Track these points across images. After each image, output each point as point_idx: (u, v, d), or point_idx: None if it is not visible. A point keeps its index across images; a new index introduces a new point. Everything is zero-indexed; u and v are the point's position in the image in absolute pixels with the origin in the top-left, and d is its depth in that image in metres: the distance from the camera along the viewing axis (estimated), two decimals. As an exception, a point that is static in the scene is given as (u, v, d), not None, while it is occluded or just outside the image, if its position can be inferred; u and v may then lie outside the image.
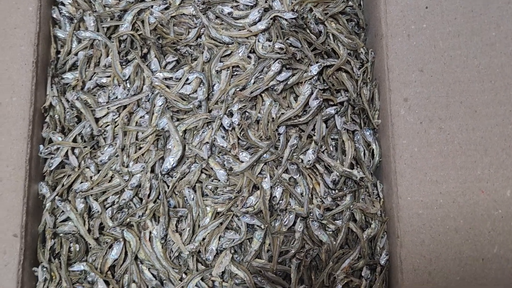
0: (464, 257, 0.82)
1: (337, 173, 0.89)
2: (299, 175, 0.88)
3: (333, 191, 0.89)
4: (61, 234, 0.87)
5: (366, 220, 0.90)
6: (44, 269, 0.84)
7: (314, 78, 0.91)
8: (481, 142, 0.85)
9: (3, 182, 0.83)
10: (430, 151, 0.86)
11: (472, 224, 0.83)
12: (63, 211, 0.87)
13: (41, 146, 0.89)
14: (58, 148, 0.89)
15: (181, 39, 0.93)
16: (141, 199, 0.87)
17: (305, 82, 0.91)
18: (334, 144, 0.91)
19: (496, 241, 0.82)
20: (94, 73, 0.93)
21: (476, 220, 0.83)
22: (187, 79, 0.90)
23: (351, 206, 0.88)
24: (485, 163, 0.85)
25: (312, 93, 0.90)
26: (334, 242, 0.87)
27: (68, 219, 0.88)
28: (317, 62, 0.91)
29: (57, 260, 0.86)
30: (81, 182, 0.88)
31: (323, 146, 0.90)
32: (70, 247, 0.86)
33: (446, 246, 0.83)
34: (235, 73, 0.92)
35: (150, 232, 0.84)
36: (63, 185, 0.87)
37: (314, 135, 0.90)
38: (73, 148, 0.89)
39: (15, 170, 0.83)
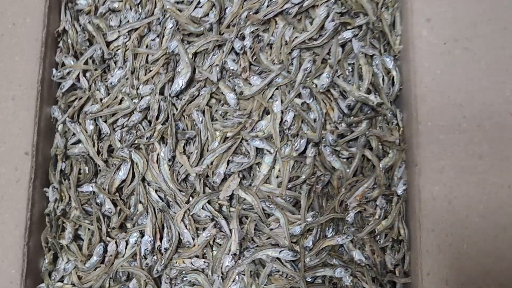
0: (488, 184, 0.76)
1: (353, 98, 0.84)
2: (312, 100, 0.84)
3: (348, 117, 0.84)
4: (71, 156, 0.87)
5: (383, 150, 0.85)
6: (55, 189, 0.85)
7: (331, 0, 0.86)
8: (510, 61, 0.78)
9: (15, 100, 0.84)
10: (454, 73, 0.80)
11: (498, 148, 0.77)
12: (74, 134, 0.87)
13: (54, 69, 0.89)
14: (70, 72, 0.89)
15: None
16: (150, 122, 0.86)
17: (321, 4, 0.87)
18: (350, 69, 0.86)
19: (525, 166, 0.75)
20: (107, -3, 0.92)
21: (503, 145, 0.77)
22: (199, 2, 0.88)
23: (367, 132, 0.83)
24: (515, 83, 0.78)
25: (328, 15, 0.85)
26: (348, 170, 0.82)
27: (78, 141, 0.88)
28: (334, -17, 0.86)
29: (67, 181, 0.86)
30: (92, 105, 0.88)
31: (338, 71, 0.86)
32: (80, 169, 0.86)
33: (469, 172, 0.77)
34: (248, -4, 0.89)
35: (158, 154, 0.83)
36: (74, 107, 0.87)
37: (329, 59, 0.86)
38: (84, 71, 0.89)
39: (27, 90, 0.84)
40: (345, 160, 0.84)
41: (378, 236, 0.82)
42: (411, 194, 0.82)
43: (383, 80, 0.86)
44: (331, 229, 0.81)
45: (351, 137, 0.83)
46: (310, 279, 0.81)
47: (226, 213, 0.82)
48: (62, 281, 0.84)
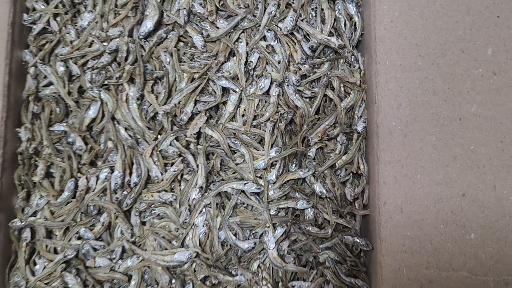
0: (441, 117, 0.80)
1: (315, 41, 0.87)
2: (277, 42, 0.87)
3: (311, 59, 0.87)
4: (43, 98, 0.89)
5: (345, 91, 0.89)
6: (27, 129, 0.87)
7: None
8: (464, 1, 0.82)
9: (-14, 42, 0.85)
10: (411, 15, 0.84)
11: (451, 84, 0.81)
12: (45, 77, 0.89)
13: (25, 14, 0.91)
14: (40, 16, 0.90)
15: None
16: (119, 64, 0.88)
17: (285, -50, 0.90)
18: (313, 13, 0.90)
19: (475, 100, 0.80)
20: None
21: (455, 80, 0.81)
22: None
23: (329, 73, 0.87)
24: (467, 22, 0.82)
25: (291, -39, 0.88)
26: (310, 108, 0.86)
27: (49, 84, 0.90)
28: None
29: (38, 121, 0.88)
30: (62, 47, 0.90)
31: (302, 15, 0.89)
32: (51, 111, 0.88)
33: (424, 107, 0.81)
34: None
35: (127, 94, 0.86)
36: (45, 50, 0.89)
37: (293, 3, 0.89)
38: (55, 15, 0.91)
39: (-3, 32, 0.86)
40: (307, 100, 0.87)
41: (339, 170, 0.86)
42: (370, 131, 0.86)
43: (345, 24, 0.89)
44: (294, 165, 0.85)
45: (313, 77, 0.87)
46: (274, 212, 0.84)
47: (193, 150, 0.86)
48: (35, 216, 0.86)
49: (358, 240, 0.83)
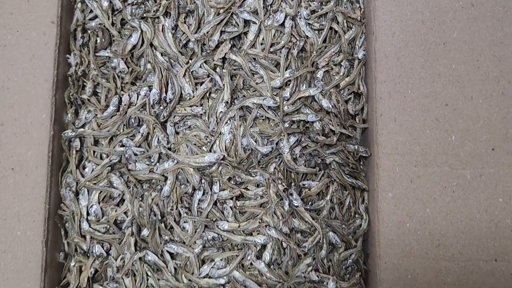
0: (428, 43, 0.96)
1: (323, -19, 1.03)
2: (290, -17, 1.02)
3: (319, -3, 1.03)
4: (89, 29, 1.03)
5: (347, 26, 1.04)
6: (76, 55, 1.01)
7: None
8: None
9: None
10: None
11: (436, 15, 0.97)
12: (91, 11, 1.04)
13: (73, -42, 1.05)
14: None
15: None
16: (155, 0, 1.03)
17: None
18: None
19: (456, 27, 0.96)
20: None
21: (440, 12, 0.97)
22: None
23: (334, 9, 1.02)
24: (450, -37, 0.98)
25: None
26: (318, 38, 1.02)
27: (95, 17, 1.04)
28: None
29: (86, 48, 1.03)
30: (106, -15, 1.05)
31: (311, -40, 1.04)
32: (96, 40, 1.03)
33: (414, 35, 0.97)
34: None
35: (163, 25, 1.01)
36: (91, -12, 1.04)
37: (304, -50, 1.04)
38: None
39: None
40: (316, 31, 1.03)
41: (342, 90, 1.01)
42: (369, 57, 1.01)
43: (347, -32, 1.05)
44: (304, 86, 1.00)
45: (321, 12, 1.02)
46: (287, 125, 1.00)
47: (219, 73, 1.01)
48: (83, 128, 1.01)
49: (358, 147, 0.98)
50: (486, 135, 0.92)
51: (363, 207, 0.98)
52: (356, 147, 0.98)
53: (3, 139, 0.95)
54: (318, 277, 0.95)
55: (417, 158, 0.93)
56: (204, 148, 0.98)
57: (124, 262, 0.96)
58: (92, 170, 0.99)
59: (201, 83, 1.00)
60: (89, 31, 1.04)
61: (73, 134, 0.98)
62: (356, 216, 0.99)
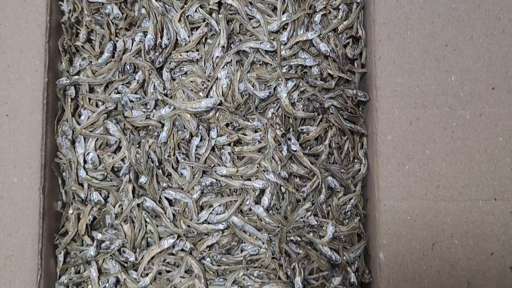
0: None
1: None
2: None
3: None
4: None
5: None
6: (68, 1, 0.99)
7: None
8: None
9: None
10: None
11: (436, -46, 0.95)
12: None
13: None
14: None
15: None
16: None
17: None
18: None
19: (456, -35, 0.94)
20: None
21: (439, -50, 0.95)
22: None
23: (332, -49, 1.00)
24: None
25: None
26: (316, -19, 0.99)
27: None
28: None
29: (79, -6, 1.00)
30: None
31: None
32: (89, -14, 1.01)
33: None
34: None
35: (157, -31, 0.98)
36: None
37: None
38: None
39: None
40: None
41: (340, 34, 1.00)
42: (367, 0, 0.99)
43: None
44: (302, 30, 0.98)
45: (318, -45, 1.00)
46: (285, 69, 0.98)
47: (215, 17, 0.99)
48: (78, 75, 0.99)
49: (356, 92, 0.97)
50: (486, 74, 0.91)
51: (362, 152, 0.97)
52: (355, 92, 0.97)
53: (-4, 86, 0.94)
54: (317, 221, 0.95)
55: (417, 100, 0.92)
56: (201, 93, 0.97)
57: (122, 209, 0.95)
58: (88, 117, 0.98)
59: (197, 28, 0.98)
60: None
61: (68, 81, 0.97)
62: (355, 161, 0.98)
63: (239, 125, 0.96)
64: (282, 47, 0.97)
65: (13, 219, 0.91)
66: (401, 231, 0.90)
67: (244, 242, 0.94)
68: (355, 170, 0.97)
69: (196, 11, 0.98)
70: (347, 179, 0.97)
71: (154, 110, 0.97)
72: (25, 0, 0.96)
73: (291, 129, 0.97)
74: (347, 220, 0.97)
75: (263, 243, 0.93)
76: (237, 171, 0.94)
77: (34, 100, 0.93)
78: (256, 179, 0.95)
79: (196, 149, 0.96)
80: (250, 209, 0.95)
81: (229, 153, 0.96)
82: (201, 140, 0.96)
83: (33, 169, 0.92)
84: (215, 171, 0.95)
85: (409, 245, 0.89)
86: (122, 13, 0.99)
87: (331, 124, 0.97)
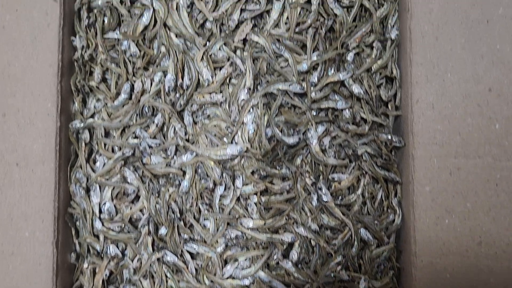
0: (470, 20, 0.88)
1: (353, -47, 0.93)
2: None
3: (348, -29, 0.93)
4: (95, 8, 0.94)
5: (379, 3, 0.95)
6: (81, 37, 0.92)
7: None
8: None
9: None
10: None
11: (478, -9, 0.88)
12: (97, -14, 0.94)
13: None
14: None
15: None
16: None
17: None
18: None
19: (502, 3, 0.87)
20: None
21: (483, -13, 0.88)
22: None
23: (365, -16, 0.93)
24: None
25: None
26: (348, 16, 0.92)
27: (101, -6, 0.94)
28: None
29: (92, 30, 0.93)
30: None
31: None
32: (104, 20, 0.93)
33: (454, 12, 0.88)
34: None
35: (177, 2, 0.91)
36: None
37: None
38: None
39: None
40: (345, 9, 0.94)
41: (374, 74, 0.93)
42: (403, 37, 0.93)
43: None
44: (333, 69, 0.92)
45: (351, -12, 0.93)
46: (315, 112, 0.92)
47: (240, 56, 0.92)
48: (93, 118, 0.92)
49: (391, 137, 0.91)
50: (534, 123, 0.84)
51: (396, 201, 0.91)
52: (389, 137, 0.91)
53: (6, 131, 0.87)
54: (349, 276, 0.89)
55: (457, 149, 0.86)
56: (225, 139, 0.90)
57: (141, 263, 0.89)
58: (104, 164, 0.91)
59: (221, 68, 0.92)
60: (95, 10, 0.94)
61: (82, 125, 0.90)
62: (389, 211, 0.92)
63: (266, 173, 0.90)
64: (311, 88, 0.90)
65: (25, 276, 0.85)
66: (441, 291, 0.84)
67: (272, 298, 0.89)
68: (389, 221, 0.91)
69: (220, 49, 0.91)
70: (381, 231, 0.90)
71: (175, 157, 0.90)
72: (35, 38, 0.88)
73: (321, 177, 0.90)
74: (380, 274, 0.91)
75: (292, 300, 0.87)
76: (264, 223, 0.88)
77: (46, 147, 0.87)
78: (285, 231, 0.89)
79: (220, 199, 0.89)
80: (278, 263, 0.89)
81: (255, 203, 0.89)
82: (225, 189, 0.89)
83: (46, 222, 0.86)
84: (241, 223, 0.89)
85: (450, 307, 0.84)
86: (140, 51, 0.92)
87: (364, 172, 0.91)
